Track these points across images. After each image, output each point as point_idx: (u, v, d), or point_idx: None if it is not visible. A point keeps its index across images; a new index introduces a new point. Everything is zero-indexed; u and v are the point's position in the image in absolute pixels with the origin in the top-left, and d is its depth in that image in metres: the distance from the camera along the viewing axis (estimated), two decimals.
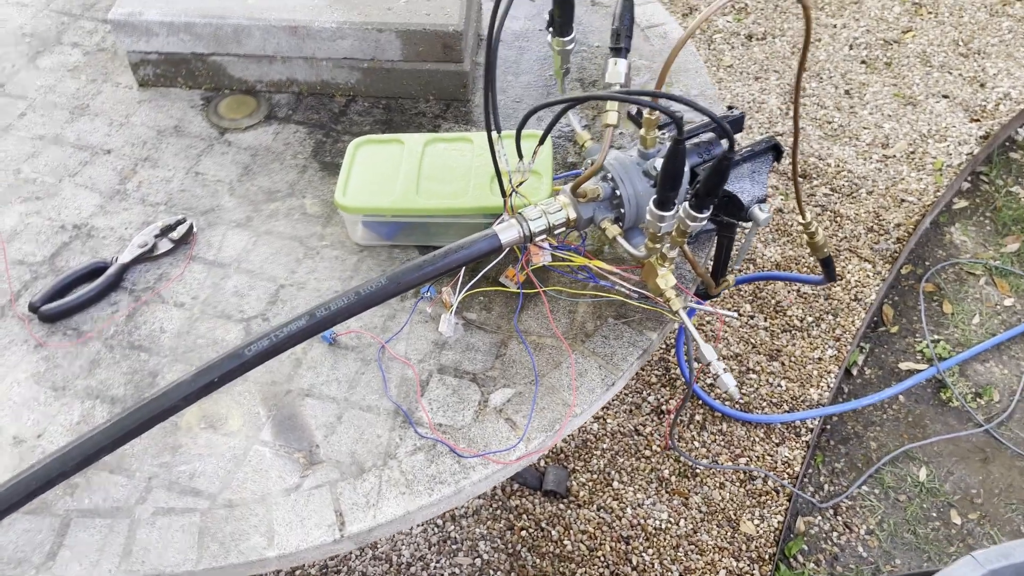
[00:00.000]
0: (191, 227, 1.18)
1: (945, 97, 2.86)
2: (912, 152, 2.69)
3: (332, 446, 0.97)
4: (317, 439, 0.98)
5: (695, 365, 1.44)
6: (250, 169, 1.28)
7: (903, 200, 2.55)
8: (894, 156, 2.68)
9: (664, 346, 2.20)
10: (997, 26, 3.13)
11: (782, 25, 3.17)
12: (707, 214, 0.93)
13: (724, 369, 0.99)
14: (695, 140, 1.10)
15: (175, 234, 1.16)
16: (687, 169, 1.06)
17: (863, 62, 3.01)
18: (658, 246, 0.98)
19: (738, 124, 1.13)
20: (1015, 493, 1.99)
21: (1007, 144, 2.80)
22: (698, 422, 2.06)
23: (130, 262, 1.13)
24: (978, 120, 2.77)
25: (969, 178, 2.70)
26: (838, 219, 2.51)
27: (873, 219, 2.50)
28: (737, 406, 2.08)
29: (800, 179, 2.61)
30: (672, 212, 0.92)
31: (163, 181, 1.26)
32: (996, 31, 3.11)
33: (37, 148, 1.31)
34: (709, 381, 2.14)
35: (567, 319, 1.10)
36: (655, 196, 0.91)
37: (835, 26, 3.16)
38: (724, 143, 0.99)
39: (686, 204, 0.93)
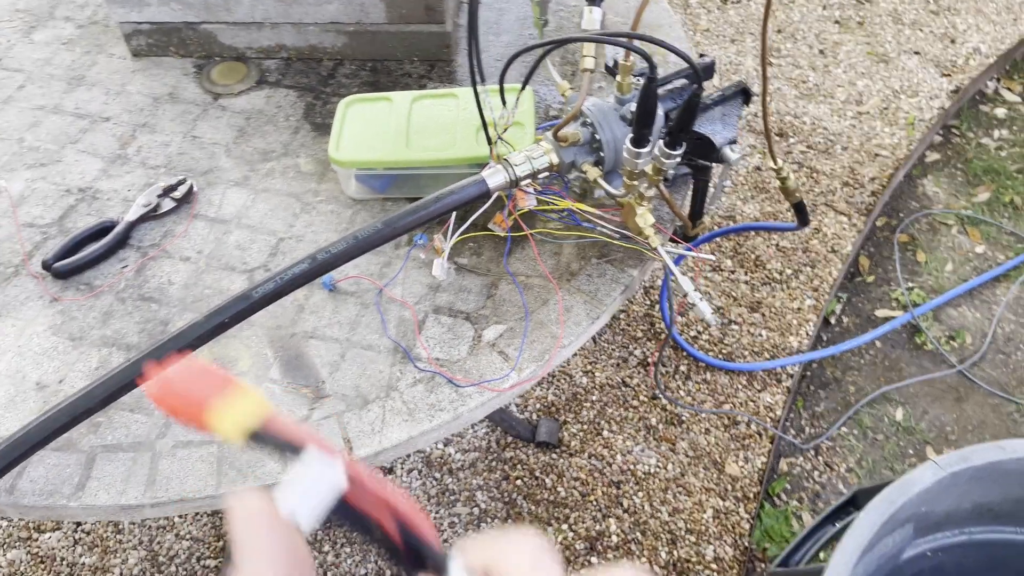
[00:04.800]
0: (191, 187, 1.23)
1: (916, 53, 2.93)
2: (885, 108, 2.76)
3: (337, 381, 1.04)
4: (323, 376, 1.05)
5: (675, 298, 1.51)
6: (244, 131, 1.34)
7: (877, 155, 2.62)
8: (868, 112, 2.75)
9: (648, 302, 2.28)
10: None
11: None
12: (680, 151, 0.99)
13: (700, 298, 1.06)
14: (668, 87, 1.17)
15: (177, 193, 1.22)
16: (661, 113, 1.12)
17: (836, 22, 3.07)
18: (635, 183, 1.04)
19: (709, 70, 1.19)
20: (988, 429, 2.09)
21: (977, 97, 2.88)
22: (683, 372, 2.14)
23: (136, 221, 1.19)
24: (949, 75, 2.84)
25: (941, 131, 2.78)
26: (814, 175, 2.58)
27: (848, 174, 2.58)
28: (720, 356, 2.16)
29: (777, 137, 2.68)
30: (647, 149, 0.98)
31: (161, 145, 1.32)
32: None
33: (38, 118, 1.36)
34: (692, 334, 2.22)
35: (553, 260, 1.17)
36: (630, 134, 0.98)
37: None
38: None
39: (661, 142, 0.99)
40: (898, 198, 2.60)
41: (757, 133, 2.71)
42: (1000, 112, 2.82)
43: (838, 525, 1.17)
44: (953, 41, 2.96)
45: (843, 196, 2.52)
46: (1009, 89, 2.89)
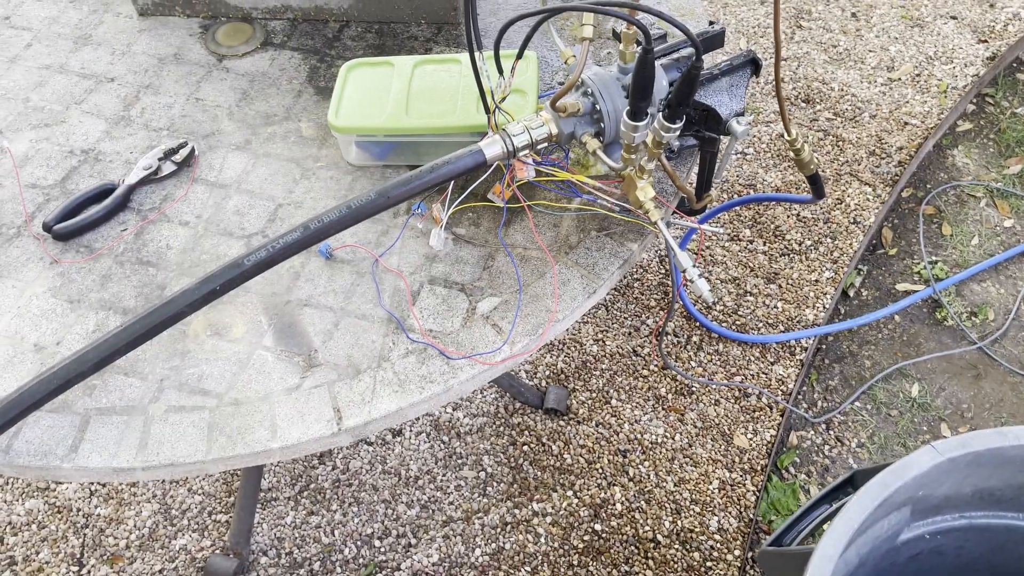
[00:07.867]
0: (193, 150, 1.23)
1: (953, 18, 2.83)
2: (918, 75, 2.67)
3: (330, 350, 1.04)
4: (315, 344, 1.05)
5: (679, 275, 1.48)
6: (248, 94, 1.33)
7: (906, 123, 2.55)
8: (899, 79, 2.67)
9: (664, 271, 2.25)
10: None
11: None
12: (679, 124, 0.96)
13: (699, 274, 1.04)
14: (675, 56, 1.13)
15: (177, 157, 1.22)
16: (665, 84, 1.09)
17: None
18: (634, 157, 1.02)
19: (716, 39, 1.15)
20: (1005, 407, 2.05)
21: (1014, 65, 2.77)
22: (695, 343, 2.12)
23: (136, 184, 1.19)
24: (986, 41, 2.74)
25: (974, 100, 2.69)
26: (840, 143, 2.52)
27: (875, 143, 2.51)
28: (734, 327, 2.13)
29: (803, 103, 2.61)
30: (645, 122, 0.96)
31: (165, 107, 1.31)
32: None
33: (44, 77, 1.37)
34: (706, 304, 2.19)
35: (552, 232, 1.15)
36: (627, 107, 0.95)
37: None
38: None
39: (660, 115, 0.97)
40: (926, 168, 2.53)
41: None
42: None
43: (834, 505, 1.16)
44: (992, 5, 2.85)
45: (869, 166, 2.46)
46: None
